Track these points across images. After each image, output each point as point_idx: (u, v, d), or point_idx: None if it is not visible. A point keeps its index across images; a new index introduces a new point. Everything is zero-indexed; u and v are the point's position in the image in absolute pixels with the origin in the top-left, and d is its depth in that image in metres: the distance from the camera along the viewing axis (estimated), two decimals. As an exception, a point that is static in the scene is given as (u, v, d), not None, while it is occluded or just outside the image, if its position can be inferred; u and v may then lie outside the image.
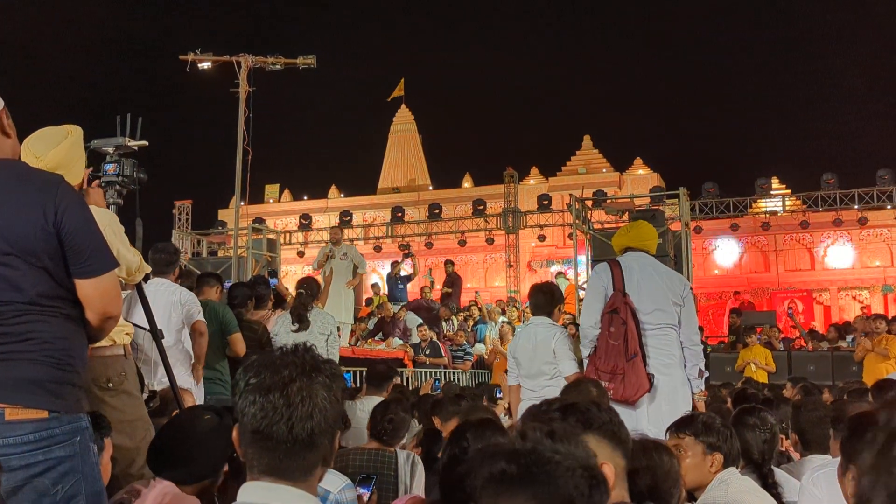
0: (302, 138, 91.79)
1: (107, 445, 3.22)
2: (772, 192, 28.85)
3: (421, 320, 14.72)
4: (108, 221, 3.78)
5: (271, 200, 42.63)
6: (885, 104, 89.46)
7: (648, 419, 5.15)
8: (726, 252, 35.48)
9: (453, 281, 18.75)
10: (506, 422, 7.07)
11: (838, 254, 34.62)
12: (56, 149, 3.30)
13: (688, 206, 16.56)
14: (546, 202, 28.08)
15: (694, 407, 5.32)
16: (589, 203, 17.83)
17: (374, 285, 19.02)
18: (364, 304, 18.10)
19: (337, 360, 7.91)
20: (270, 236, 18.96)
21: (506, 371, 9.00)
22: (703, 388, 5.68)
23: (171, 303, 5.94)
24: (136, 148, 4.45)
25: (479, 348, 14.73)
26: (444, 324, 15.92)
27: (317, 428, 1.79)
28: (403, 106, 46.03)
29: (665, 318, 5.42)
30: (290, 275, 31.16)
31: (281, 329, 7.30)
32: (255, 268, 16.33)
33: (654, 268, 5.60)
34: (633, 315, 5.33)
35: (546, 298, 6.23)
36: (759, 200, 28.02)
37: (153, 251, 6.18)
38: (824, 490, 3.11)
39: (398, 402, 5.12)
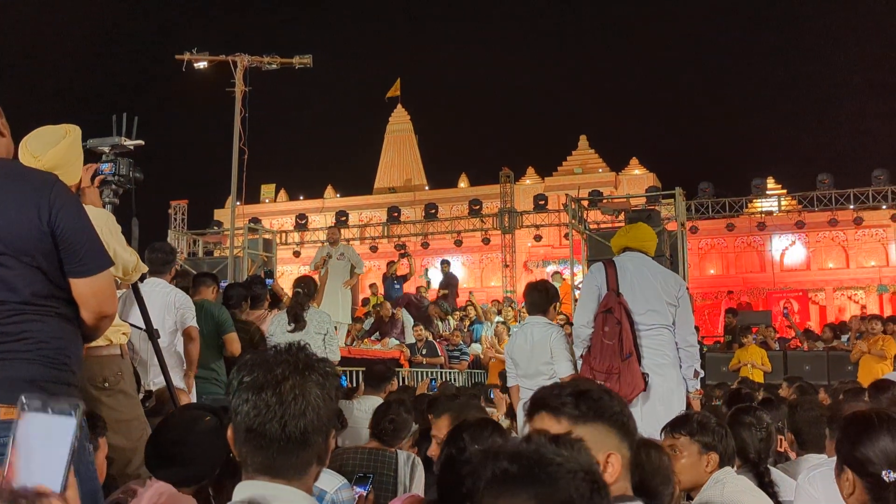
0: (298, 138, 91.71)
1: (101, 445, 3.21)
2: (767, 192, 28.90)
3: (413, 319, 14.75)
4: (104, 221, 3.77)
5: (267, 200, 42.59)
6: (881, 104, 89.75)
7: (643, 419, 5.15)
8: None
9: (449, 281, 18.76)
10: (505, 423, 7.08)
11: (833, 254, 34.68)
12: (54, 149, 3.30)
13: (684, 206, 16.56)
14: (542, 202, 28.11)
15: (689, 406, 5.33)
16: (585, 203, 17.84)
17: (372, 285, 19.01)
18: (361, 304, 18.09)
19: (338, 358, 7.90)
20: (266, 236, 18.95)
21: (500, 372, 9.02)
22: (698, 387, 5.68)
23: (166, 304, 5.91)
24: (132, 147, 4.45)
25: (476, 348, 14.73)
26: (439, 323, 15.91)
27: (310, 426, 1.79)
28: (399, 106, 46.01)
29: (659, 319, 5.41)
30: (287, 275, 31.12)
31: (277, 329, 7.29)
32: (252, 268, 16.31)
33: (648, 268, 5.59)
34: (628, 315, 5.34)
35: (541, 296, 6.25)
36: (754, 200, 28.07)
37: (150, 251, 6.17)
38: (820, 489, 3.11)
39: (401, 402, 5.11)
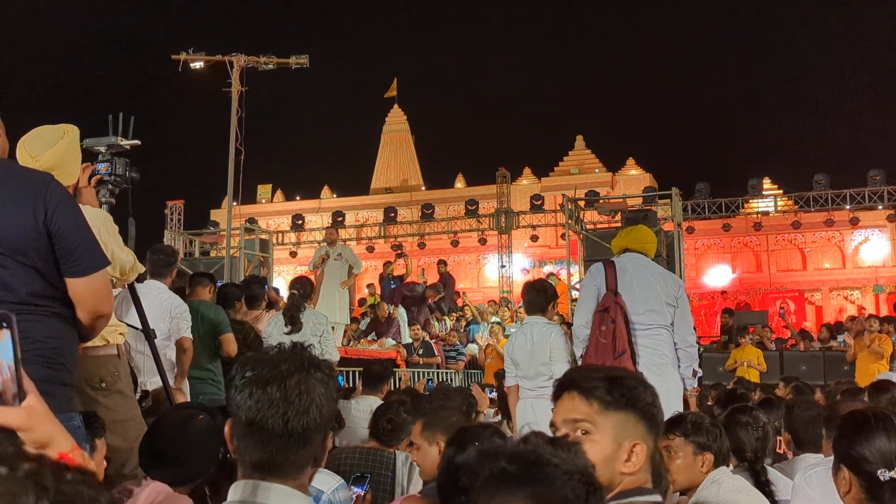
0: (294, 138, 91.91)
1: (100, 447, 3.20)
2: (763, 193, 28.96)
3: (409, 318, 14.76)
4: (101, 221, 3.76)
5: (264, 201, 42.57)
6: (877, 105, 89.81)
7: None
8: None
9: (445, 281, 18.75)
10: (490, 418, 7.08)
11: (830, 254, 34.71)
12: (52, 149, 3.29)
13: (680, 206, 16.58)
14: (538, 202, 28.12)
15: (686, 404, 5.35)
16: (581, 203, 17.85)
17: (370, 286, 19.01)
18: (357, 304, 18.09)
19: (336, 358, 7.89)
20: (263, 236, 18.94)
21: (496, 372, 9.01)
22: (696, 385, 5.71)
23: (162, 309, 5.85)
24: (128, 147, 4.44)
25: (472, 348, 14.73)
26: (436, 323, 15.91)
27: (312, 423, 1.79)
28: (396, 106, 46.01)
29: (657, 319, 5.44)
30: (283, 275, 31.12)
31: (274, 330, 7.27)
32: (248, 268, 16.30)
33: (648, 269, 5.62)
34: (624, 314, 5.37)
35: (539, 295, 6.26)
36: (750, 201, 28.15)
37: (151, 252, 6.15)
38: (817, 489, 3.11)
39: (401, 403, 5.11)
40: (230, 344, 6.68)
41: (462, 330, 15.77)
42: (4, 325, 1.24)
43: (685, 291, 5.71)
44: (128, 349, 4.93)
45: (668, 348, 5.45)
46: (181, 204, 31.37)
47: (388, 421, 4.74)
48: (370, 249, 31.32)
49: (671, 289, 5.55)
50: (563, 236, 21.36)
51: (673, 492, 3.44)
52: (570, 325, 11.19)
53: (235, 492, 1.82)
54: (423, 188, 43.08)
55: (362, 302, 18.25)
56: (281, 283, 25.53)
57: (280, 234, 30.20)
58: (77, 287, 2.54)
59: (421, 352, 13.18)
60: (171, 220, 30.82)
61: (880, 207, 27.31)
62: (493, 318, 15.64)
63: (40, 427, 1.24)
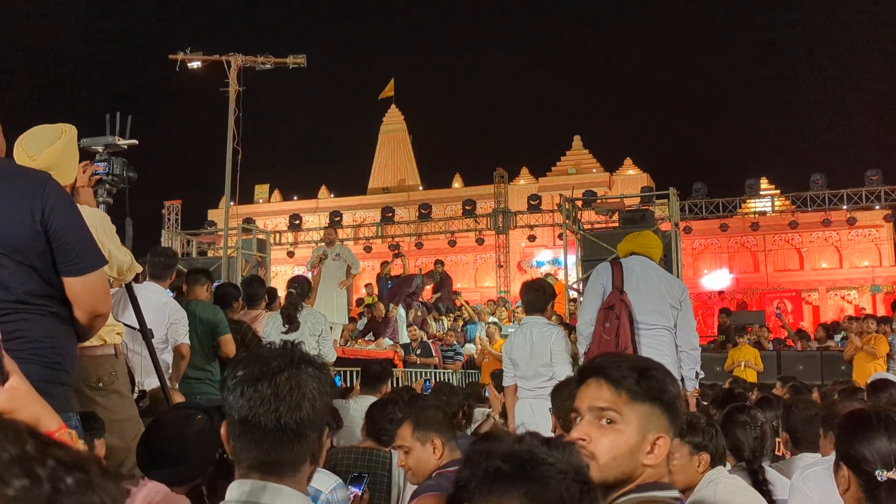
0: (292, 138, 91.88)
1: (98, 447, 3.19)
2: (761, 193, 28.97)
3: (405, 317, 14.77)
4: (98, 221, 3.76)
5: (261, 201, 42.57)
6: (875, 105, 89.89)
7: None
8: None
9: (443, 280, 18.75)
10: (498, 422, 7.07)
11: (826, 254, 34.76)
12: (50, 148, 3.29)
13: (677, 206, 16.60)
14: (536, 202, 28.12)
15: (687, 404, 5.37)
16: (579, 203, 17.84)
17: (368, 285, 19.01)
18: (355, 304, 18.09)
19: (333, 358, 7.88)
20: (260, 236, 18.93)
21: (492, 372, 9.00)
22: (696, 387, 5.76)
23: (159, 313, 5.82)
24: (125, 147, 4.44)
25: (469, 348, 14.74)
26: (433, 323, 15.92)
27: (305, 418, 1.79)
28: (393, 106, 46.01)
29: (661, 320, 5.51)
30: (280, 275, 31.12)
31: (271, 330, 7.26)
32: (245, 268, 16.30)
33: (654, 271, 5.71)
34: (629, 312, 5.42)
35: (539, 295, 6.27)
36: (748, 201, 28.14)
37: (152, 254, 6.13)
38: (814, 489, 3.12)
39: (395, 402, 5.12)
40: (229, 345, 6.67)
41: (459, 330, 15.77)
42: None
43: (688, 296, 5.79)
44: (125, 349, 4.93)
45: (669, 349, 5.50)
46: (178, 204, 31.38)
47: (390, 421, 4.73)
48: (367, 249, 31.31)
49: (676, 292, 5.62)
50: (560, 236, 21.35)
51: None
52: (567, 325, 11.25)
53: (233, 491, 1.81)
54: (421, 188, 43.10)
55: (360, 302, 18.25)
56: (279, 283, 25.51)
57: (277, 234, 30.19)
58: (74, 286, 2.54)
59: (419, 352, 13.19)
60: (169, 219, 30.82)
61: (877, 207, 27.36)
62: (490, 319, 15.65)
63: (25, 408, 1.24)
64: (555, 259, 31.73)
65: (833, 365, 12.84)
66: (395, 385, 10.21)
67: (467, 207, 29.34)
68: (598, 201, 20.82)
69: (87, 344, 3.28)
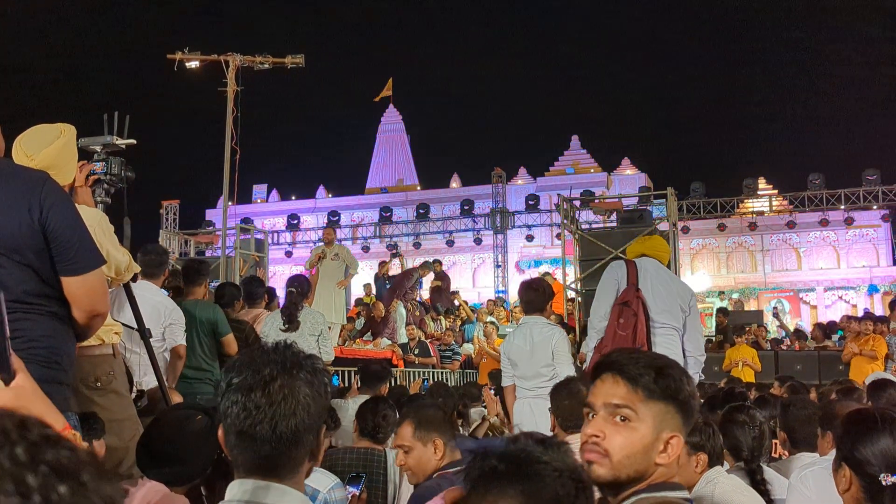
0: (290, 138, 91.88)
1: (98, 448, 3.19)
2: (759, 193, 29.02)
3: (405, 315, 14.77)
4: (97, 220, 3.76)
5: (259, 200, 42.55)
6: (872, 105, 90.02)
7: None
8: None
9: (442, 279, 18.74)
10: (495, 422, 7.07)
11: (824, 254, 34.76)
12: (48, 148, 3.29)
13: (675, 206, 16.56)
14: (533, 202, 28.15)
15: None
16: (577, 203, 17.83)
17: (366, 285, 19.00)
18: (354, 304, 18.08)
19: (331, 358, 7.88)
20: (258, 236, 18.91)
21: (490, 372, 9.00)
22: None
23: (154, 312, 5.79)
24: (123, 146, 4.43)
25: (468, 348, 14.73)
26: (431, 323, 15.91)
27: (301, 425, 1.78)
28: (391, 106, 45.99)
29: (672, 321, 5.55)
30: (279, 275, 31.11)
31: (271, 329, 7.25)
32: (243, 268, 16.28)
33: (666, 273, 5.81)
34: (645, 309, 5.45)
35: (538, 295, 6.28)
36: (746, 200, 28.20)
37: (143, 253, 6.10)
38: (813, 488, 3.12)
39: (384, 400, 5.14)
40: (231, 345, 6.67)
41: (458, 330, 15.77)
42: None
43: (696, 302, 5.88)
44: (122, 349, 4.92)
45: (678, 349, 5.54)
46: (176, 203, 31.37)
47: (384, 418, 4.74)
48: (366, 249, 31.32)
49: (686, 295, 5.70)
50: (558, 236, 21.34)
51: None
52: (565, 325, 11.26)
53: (232, 491, 1.82)
54: (419, 188, 43.08)
55: (359, 302, 18.24)
56: (278, 283, 25.51)
57: (275, 234, 30.19)
58: (72, 286, 2.54)
59: (417, 352, 13.18)
60: (167, 219, 30.81)
61: (875, 207, 27.43)
62: (488, 318, 15.65)
63: (30, 407, 1.23)
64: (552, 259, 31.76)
65: (831, 365, 12.84)
66: (393, 385, 10.21)
67: (465, 207, 29.35)
68: (596, 201, 20.81)
69: (85, 343, 3.28)
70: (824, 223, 27.94)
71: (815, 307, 33.86)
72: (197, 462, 2.97)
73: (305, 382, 1.81)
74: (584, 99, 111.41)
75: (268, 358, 1.82)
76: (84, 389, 3.93)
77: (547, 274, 20.39)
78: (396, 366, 12.25)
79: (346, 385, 10.00)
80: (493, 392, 7.61)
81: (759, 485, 3.72)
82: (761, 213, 30.44)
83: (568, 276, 15.46)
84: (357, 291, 19.76)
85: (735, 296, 31.62)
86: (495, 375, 7.64)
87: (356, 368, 8.83)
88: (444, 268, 19.79)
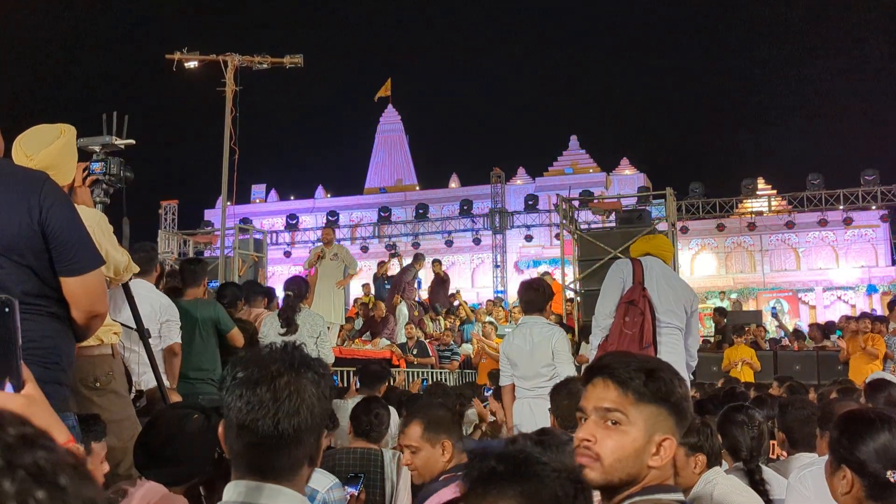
0: (289, 138, 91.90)
1: (97, 450, 3.17)
2: (757, 193, 29.03)
3: (407, 314, 14.77)
4: (95, 221, 3.76)
5: (258, 200, 42.54)
6: (871, 105, 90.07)
7: None
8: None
9: (443, 279, 18.74)
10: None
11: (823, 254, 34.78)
12: (48, 148, 3.28)
13: (674, 206, 16.58)
14: (532, 202, 28.15)
15: None
16: (576, 203, 17.84)
17: (365, 285, 19.00)
18: (353, 304, 18.07)
19: (331, 359, 7.87)
20: (257, 236, 18.91)
21: (489, 372, 8.98)
22: None
23: (150, 311, 5.77)
24: (122, 146, 4.43)
25: (466, 348, 14.72)
26: (430, 323, 15.91)
27: (303, 424, 1.77)
28: (390, 106, 45.99)
29: (676, 321, 5.56)
30: (277, 275, 31.11)
31: (270, 331, 7.25)
32: (242, 268, 16.28)
33: (670, 273, 5.83)
34: (651, 308, 5.46)
35: (538, 295, 6.27)
36: (744, 201, 28.21)
37: (131, 251, 6.07)
38: (812, 488, 3.11)
39: (376, 399, 5.15)
40: (237, 338, 6.69)
41: (456, 330, 15.76)
42: (6, 309, 1.23)
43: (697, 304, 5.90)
44: (121, 348, 4.92)
45: (681, 348, 5.56)
46: (175, 203, 31.32)
47: (376, 416, 4.74)
48: (364, 249, 31.31)
49: (689, 297, 5.72)
50: (557, 236, 21.37)
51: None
52: (564, 325, 11.25)
53: (231, 492, 1.81)
54: (418, 188, 43.08)
55: (356, 302, 18.23)
56: (277, 283, 25.52)
57: (274, 234, 30.18)
58: (72, 286, 2.54)
59: (415, 352, 13.17)
60: (165, 219, 30.78)
61: (873, 207, 27.44)
62: (487, 318, 15.65)
63: (37, 416, 1.23)
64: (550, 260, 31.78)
65: (830, 365, 12.84)
66: (391, 385, 10.21)
67: (464, 207, 29.35)
68: (595, 201, 20.82)
69: (84, 344, 3.27)
70: (823, 223, 27.93)
71: (813, 307, 33.86)
72: (195, 462, 2.97)
73: (312, 382, 1.80)
74: (583, 99, 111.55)
75: (276, 355, 1.82)
76: (83, 389, 3.93)
77: (546, 274, 20.40)
78: (397, 366, 12.25)
79: (345, 385, 10.00)
80: (490, 393, 7.60)
81: (758, 485, 3.72)
82: (760, 214, 30.45)
83: (567, 276, 15.47)
84: (356, 291, 19.75)
85: (734, 296, 31.61)
86: (495, 375, 7.63)
87: (355, 369, 8.83)
88: (443, 268, 19.77)
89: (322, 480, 3.54)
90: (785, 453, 4.67)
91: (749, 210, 29.66)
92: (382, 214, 30.69)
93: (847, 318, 13.83)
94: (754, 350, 13.29)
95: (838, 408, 4.00)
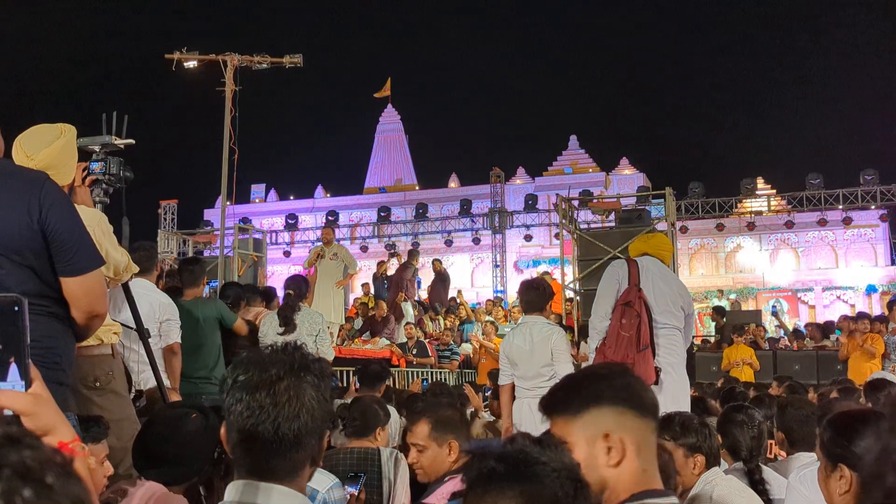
0: (288, 138, 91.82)
1: (100, 450, 3.17)
2: (757, 193, 29.03)
3: (412, 314, 14.78)
4: (95, 221, 3.76)
5: (257, 200, 42.54)
6: (871, 105, 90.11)
7: None
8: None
9: (444, 278, 18.74)
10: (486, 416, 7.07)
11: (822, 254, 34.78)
12: (48, 148, 3.28)
13: (674, 205, 16.59)
14: (532, 202, 28.16)
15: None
16: (575, 203, 17.85)
17: (364, 285, 19.01)
18: (353, 303, 18.08)
19: (331, 357, 7.87)
20: (257, 236, 18.91)
21: (489, 372, 8.98)
22: None
23: (150, 310, 5.78)
24: (122, 146, 4.43)
25: (466, 348, 14.72)
26: (430, 323, 15.91)
27: (303, 428, 1.77)
28: (390, 105, 45.97)
29: (673, 321, 5.56)
30: (277, 275, 31.12)
31: (269, 330, 7.25)
32: (241, 268, 16.29)
33: (667, 273, 5.81)
34: (647, 309, 5.45)
35: (538, 295, 6.28)
36: (744, 200, 28.22)
37: (132, 250, 6.06)
38: (812, 488, 3.11)
39: (370, 397, 5.17)
40: (242, 328, 6.87)
41: (456, 329, 15.76)
42: (16, 308, 1.24)
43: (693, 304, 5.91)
44: (121, 347, 4.92)
45: (680, 349, 5.56)
46: (174, 203, 31.34)
47: (361, 413, 4.72)
48: (364, 249, 31.31)
49: (685, 296, 5.72)
50: (556, 236, 21.36)
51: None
52: (564, 326, 11.25)
53: (232, 492, 1.81)
54: (417, 188, 43.07)
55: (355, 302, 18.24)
56: (276, 283, 25.53)
57: (274, 234, 30.19)
58: (72, 286, 2.54)
59: (415, 352, 13.16)
60: (165, 219, 30.79)
61: (873, 207, 27.44)
62: (487, 318, 15.65)
63: (44, 414, 1.24)
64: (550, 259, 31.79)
65: (829, 364, 12.84)
66: (392, 385, 10.21)
67: (464, 207, 29.36)
68: (595, 201, 20.84)
69: (84, 343, 3.28)
70: (822, 223, 27.94)
71: (813, 307, 33.86)
72: (193, 461, 2.96)
73: (312, 385, 1.79)
74: (583, 99, 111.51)
75: (276, 358, 1.81)
76: (83, 389, 3.93)
77: (546, 273, 20.41)
78: (397, 365, 12.24)
79: (345, 385, 9.99)
80: (490, 393, 7.60)
81: (758, 485, 3.72)
82: (760, 213, 30.44)
83: (566, 276, 15.49)
84: (356, 291, 19.77)
85: (732, 296, 31.61)
86: (495, 375, 7.63)
87: (354, 368, 8.83)
88: (442, 266, 19.76)
89: (323, 480, 3.54)
90: (783, 453, 4.66)
91: (748, 210, 29.66)
92: (382, 214, 30.68)
93: (846, 318, 13.84)
94: (753, 350, 13.29)
95: (839, 408, 4.00)
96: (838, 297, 33.83)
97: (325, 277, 12.96)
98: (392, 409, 5.43)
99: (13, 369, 1.24)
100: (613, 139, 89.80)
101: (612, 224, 16.36)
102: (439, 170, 56.09)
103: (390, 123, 46.10)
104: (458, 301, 17.84)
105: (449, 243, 30.74)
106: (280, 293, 8.56)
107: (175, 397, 5.36)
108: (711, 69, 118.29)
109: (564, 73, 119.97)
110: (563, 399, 1.97)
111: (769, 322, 21.92)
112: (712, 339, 16.77)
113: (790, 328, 18.34)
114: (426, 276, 21.55)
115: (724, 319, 16.00)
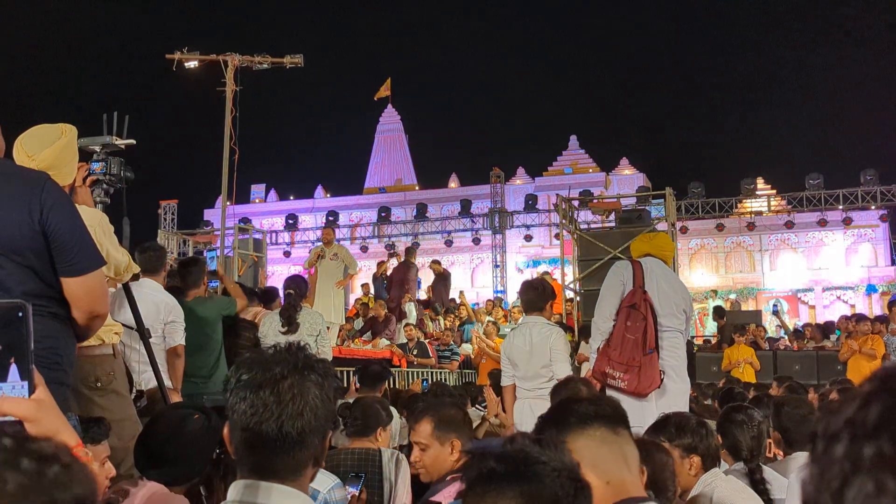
0: (288, 138, 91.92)
1: (101, 450, 3.17)
2: (757, 193, 29.05)
3: (415, 313, 14.78)
4: (97, 221, 3.76)
5: (257, 200, 42.52)
6: (871, 105, 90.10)
7: (656, 415, 5.19)
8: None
9: (445, 278, 18.74)
10: (495, 422, 7.06)
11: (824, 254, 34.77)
12: (49, 148, 3.28)
13: (674, 206, 16.60)
14: (532, 202, 28.16)
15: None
16: (575, 203, 17.85)
17: (365, 285, 19.01)
18: (353, 304, 18.08)
19: (329, 358, 7.87)
20: (257, 236, 18.92)
21: (490, 372, 8.98)
22: None
23: (157, 310, 5.79)
24: (123, 146, 4.44)
25: (466, 348, 14.71)
26: (430, 323, 15.91)
27: (307, 427, 1.77)
28: (390, 106, 45.91)
29: (675, 323, 5.55)
30: (277, 275, 31.13)
31: (269, 330, 7.24)
32: (242, 267, 16.29)
33: (670, 274, 5.80)
34: (653, 312, 5.43)
35: (538, 295, 6.26)
36: (744, 200, 28.23)
37: (140, 251, 6.08)
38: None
39: (370, 397, 5.17)
40: (241, 301, 7.16)
41: (456, 330, 15.75)
42: (20, 314, 1.24)
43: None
44: (122, 347, 4.92)
45: (682, 351, 5.57)
46: (175, 203, 31.32)
47: (362, 412, 4.72)
48: (364, 249, 31.31)
49: (686, 298, 5.71)
50: (557, 236, 21.36)
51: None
52: (565, 326, 11.25)
53: (234, 491, 1.81)
54: (417, 188, 43.04)
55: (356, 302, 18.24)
56: (276, 283, 25.52)
57: (274, 234, 30.19)
58: (72, 287, 2.54)
59: (416, 352, 13.15)
60: (165, 219, 30.76)
61: (873, 207, 27.46)
62: (487, 318, 15.64)
63: (48, 420, 1.25)
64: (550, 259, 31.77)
65: (829, 365, 12.84)
66: (392, 385, 10.21)
67: (464, 207, 29.35)
68: (595, 201, 20.83)
69: (85, 344, 3.28)
70: (822, 223, 27.96)
71: (813, 307, 33.83)
72: (194, 462, 2.97)
73: (315, 384, 1.80)
74: (583, 99, 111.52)
75: (279, 357, 1.81)
76: (84, 389, 3.93)
77: (546, 274, 20.41)
78: (398, 366, 12.23)
79: (345, 385, 10.00)
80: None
81: (759, 484, 3.72)
82: (760, 213, 30.46)
83: (567, 276, 15.49)
84: (356, 291, 19.77)
85: (732, 296, 31.60)
86: (496, 375, 7.62)
87: (354, 368, 8.82)
88: (442, 266, 19.76)
89: (324, 480, 3.54)
90: (780, 452, 4.66)
91: (748, 210, 29.68)
92: (382, 214, 30.69)
93: (846, 318, 13.84)
94: (753, 350, 13.28)
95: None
96: (838, 298, 33.80)
97: (325, 278, 12.96)
98: (393, 410, 5.42)
99: (13, 370, 1.25)
100: (613, 139, 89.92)
101: (613, 224, 16.35)
102: (439, 170, 56.18)
103: (390, 123, 46.07)
104: (460, 301, 17.84)
105: (449, 243, 30.73)
106: (280, 293, 8.57)
107: (176, 398, 5.36)
108: (711, 69, 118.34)
109: (564, 73, 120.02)
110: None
111: (770, 322, 21.91)
112: (713, 340, 16.76)
113: (791, 328, 18.34)
114: (426, 277, 21.53)
115: (724, 320, 15.99)
